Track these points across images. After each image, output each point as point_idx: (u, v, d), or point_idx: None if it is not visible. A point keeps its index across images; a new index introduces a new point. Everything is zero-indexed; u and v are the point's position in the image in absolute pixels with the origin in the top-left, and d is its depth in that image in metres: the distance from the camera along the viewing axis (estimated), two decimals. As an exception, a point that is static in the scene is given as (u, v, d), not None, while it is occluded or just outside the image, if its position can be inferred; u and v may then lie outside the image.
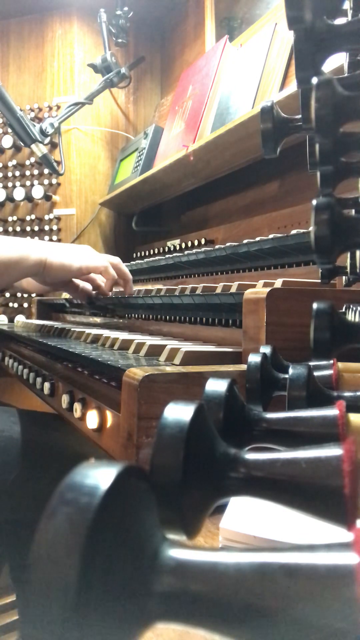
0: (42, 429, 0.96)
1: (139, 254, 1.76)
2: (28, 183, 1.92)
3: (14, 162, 1.94)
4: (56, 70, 1.95)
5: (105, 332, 0.90)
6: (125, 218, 2.00)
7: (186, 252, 1.20)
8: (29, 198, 1.91)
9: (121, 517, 0.14)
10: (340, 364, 0.38)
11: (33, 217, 1.92)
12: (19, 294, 1.91)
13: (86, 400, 0.66)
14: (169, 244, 1.54)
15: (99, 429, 0.60)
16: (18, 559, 0.85)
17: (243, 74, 1.29)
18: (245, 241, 0.99)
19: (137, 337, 0.80)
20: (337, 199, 0.29)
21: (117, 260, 1.12)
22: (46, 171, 1.86)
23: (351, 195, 0.35)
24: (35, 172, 1.93)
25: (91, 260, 1.07)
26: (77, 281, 1.16)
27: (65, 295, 1.47)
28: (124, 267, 1.12)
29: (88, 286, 1.16)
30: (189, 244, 1.40)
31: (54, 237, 1.90)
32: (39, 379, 0.91)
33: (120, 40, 1.89)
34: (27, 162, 1.93)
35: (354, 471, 0.19)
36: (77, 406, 0.67)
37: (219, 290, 0.74)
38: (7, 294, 1.92)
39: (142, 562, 0.15)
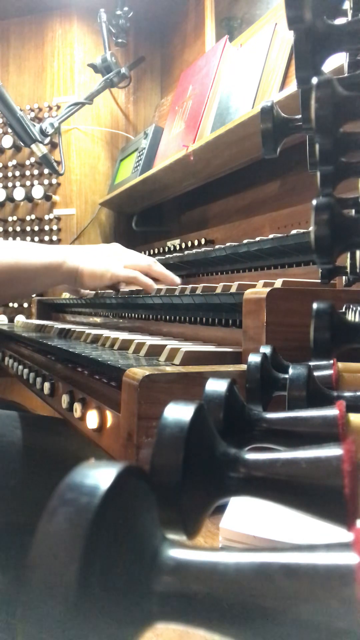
0: (45, 433, 0.95)
1: (139, 254, 1.76)
2: (28, 183, 1.92)
3: (14, 162, 1.94)
4: (56, 70, 1.95)
5: (105, 332, 0.90)
6: (125, 218, 2.00)
7: (186, 252, 1.20)
8: (29, 198, 1.91)
9: (121, 517, 0.14)
10: (340, 364, 0.38)
11: (33, 217, 1.92)
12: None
13: (86, 400, 0.66)
14: (169, 244, 1.54)
15: (99, 429, 0.60)
16: (19, 565, 0.84)
17: (243, 74, 1.29)
18: (245, 241, 0.98)
19: (137, 337, 0.80)
20: (337, 199, 0.29)
21: (148, 263, 1.11)
22: (46, 171, 1.86)
23: (351, 195, 0.35)
24: (35, 172, 1.93)
25: (121, 271, 1.11)
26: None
27: (66, 295, 1.47)
28: (159, 268, 1.12)
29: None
30: (189, 244, 1.39)
31: (54, 237, 1.90)
32: (39, 379, 0.91)
33: (120, 40, 1.89)
34: (27, 162, 1.93)
35: (354, 471, 0.19)
36: (77, 406, 0.67)
37: (219, 290, 0.74)
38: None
39: (142, 562, 0.15)
